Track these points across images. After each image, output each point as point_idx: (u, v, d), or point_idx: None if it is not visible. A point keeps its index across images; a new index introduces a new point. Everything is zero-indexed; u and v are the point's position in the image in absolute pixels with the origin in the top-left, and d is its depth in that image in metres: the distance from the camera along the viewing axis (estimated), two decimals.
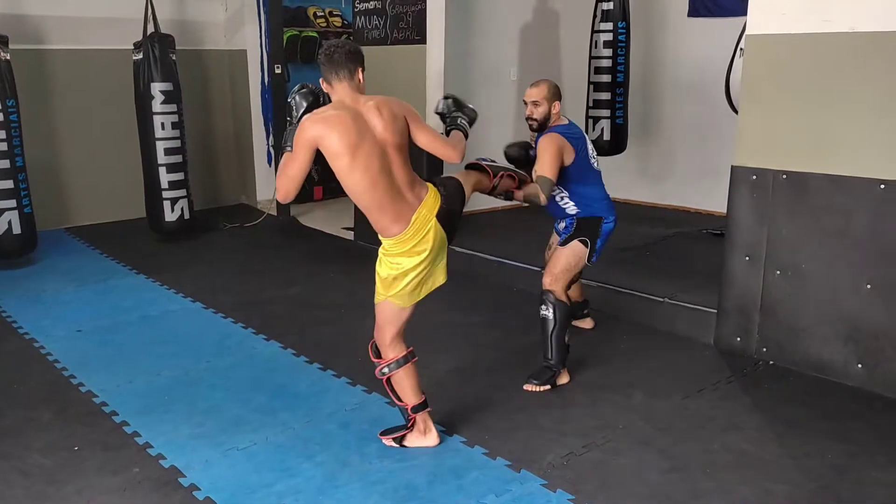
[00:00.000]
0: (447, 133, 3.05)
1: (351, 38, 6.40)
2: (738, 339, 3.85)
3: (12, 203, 5.24)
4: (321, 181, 7.81)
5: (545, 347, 3.47)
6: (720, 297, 3.93)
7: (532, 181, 3.35)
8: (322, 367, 3.72)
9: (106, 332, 4.21)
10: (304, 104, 2.75)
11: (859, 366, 3.46)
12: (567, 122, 3.57)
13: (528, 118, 3.53)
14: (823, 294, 3.54)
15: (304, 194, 7.64)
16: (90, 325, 4.32)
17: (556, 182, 3.41)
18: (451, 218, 2.84)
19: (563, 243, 3.56)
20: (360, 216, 6.13)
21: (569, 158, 3.45)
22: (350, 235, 6.33)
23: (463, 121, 3.05)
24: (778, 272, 3.67)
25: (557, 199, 3.57)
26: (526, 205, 3.47)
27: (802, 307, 3.62)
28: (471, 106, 3.13)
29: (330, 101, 2.75)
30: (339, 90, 2.72)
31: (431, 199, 2.77)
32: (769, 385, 3.54)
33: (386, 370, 2.90)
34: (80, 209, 6.63)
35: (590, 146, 3.64)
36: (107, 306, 4.64)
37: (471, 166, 3.13)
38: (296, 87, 2.84)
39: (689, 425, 3.14)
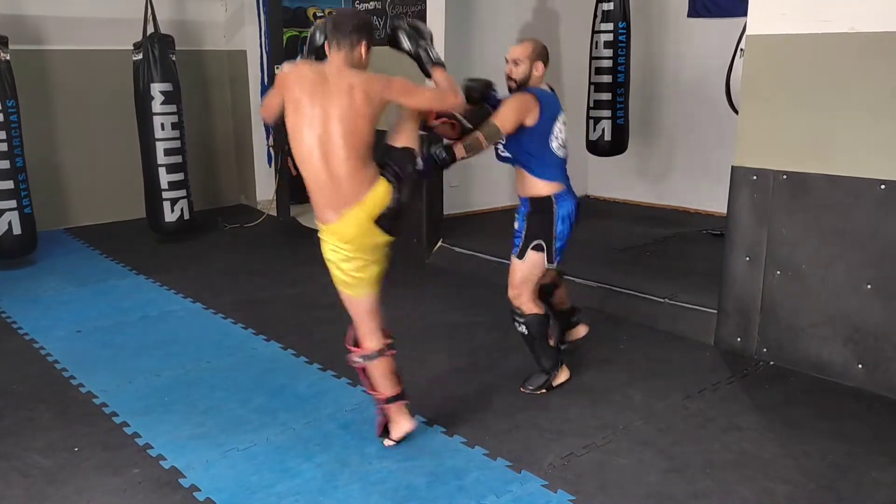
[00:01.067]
0: (425, 73, 2.91)
1: None
2: (739, 339, 3.85)
3: (12, 203, 5.24)
4: None
5: (535, 357, 3.42)
6: (720, 298, 3.93)
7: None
8: (322, 368, 3.72)
9: (106, 333, 4.20)
10: (316, 44, 2.80)
11: (859, 366, 3.46)
12: (549, 89, 3.32)
13: (507, 77, 3.27)
14: (823, 294, 3.54)
15: (305, 195, 7.63)
16: (90, 325, 4.32)
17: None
18: (395, 221, 2.70)
19: (519, 255, 3.31)
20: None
21: (531, 120, 3.16)
22: None
23: (433, 52, 2.91)
24: (778, 272, 3.67)
25: (500, 150, 3.31)
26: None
27: (802, 307, 3.62)
28: (425, 29, 2.98)
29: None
30: (333, 58, 2.65)
31: (372, 202, 2.64)
32: (769, 385, 3.54)
33: (357, 360, 2.87)
34: (79, 209, 6.63)
35: (559, 127, 3.25)
36: (107, 307, 4.64)
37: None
38: (322, 23, 2.81)
39: (689, 425, 3.14)
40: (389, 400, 2.89)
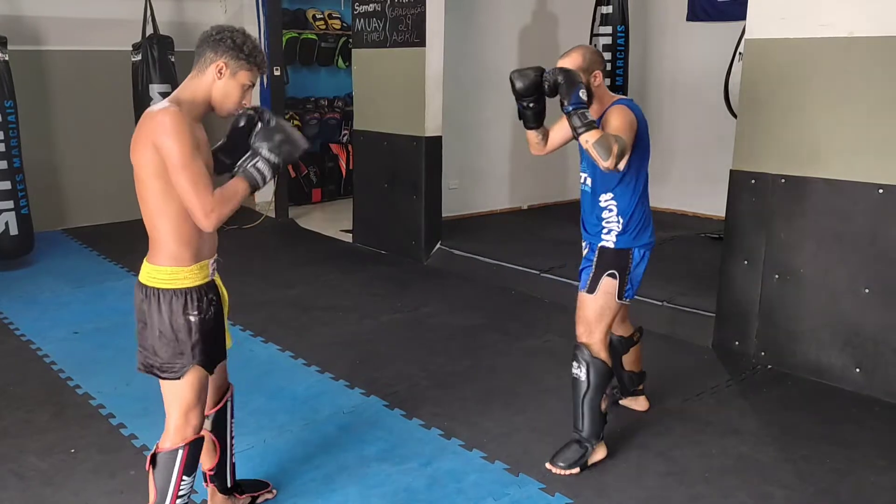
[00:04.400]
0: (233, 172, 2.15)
1: (350, 40, 6.40)
2: (737, 342, 3.85)
3: (10, 204, 5.23)
4: (319, 184, 7.81)
5: (575, 414, 2.83)
6: (718, 301, 3.93)
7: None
8: (320, 370, 3.72)
9: (104, 334, 4.19)
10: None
11: (857, 370, 3.46)
12: (628, 98, 2.88)
13: None
14: (822, 298, 3.55)
15: (303, 196, 7.65)
16: (88, 326, 4.31)
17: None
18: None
19: (589, 289, 2.82)
20: (359, 219, 6.14)
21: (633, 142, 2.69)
22: (349, 238, 6.32)
23: (260, 164, 2.10)
24: (776, 276, 3.67)
25: (602, 202, 2.82)
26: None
27: (801, 311, 3.62)
28: (289, 135, 2.15)
29: None
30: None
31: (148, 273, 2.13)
32: (767, 389, 3.54)
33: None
34: (77, 210, 6.62)
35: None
36: (104, 308, 4.63)
37: None
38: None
39: (687, 429, 3.14)
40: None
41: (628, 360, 3.18)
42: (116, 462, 2.88)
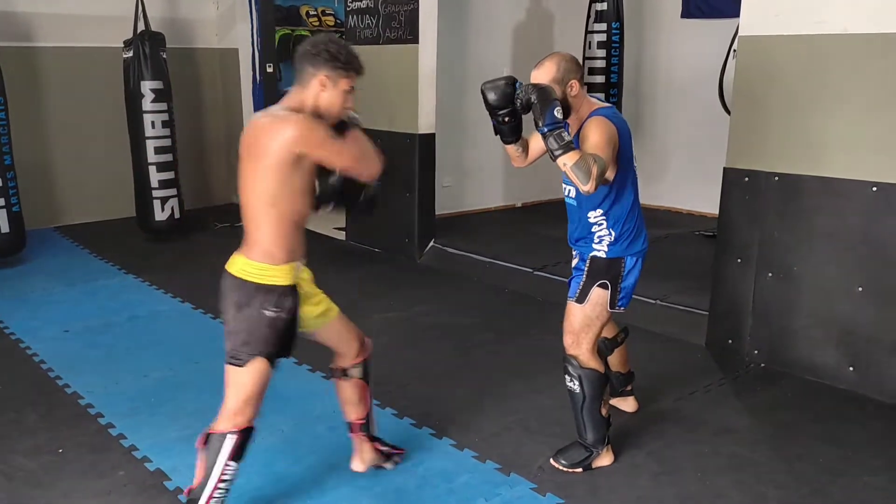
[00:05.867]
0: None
1: (343, 37, 6.38)
2: (730, 341, 3.84)
3: (1, 202, 5.19)
4: None
5: (577, 424, 2.80)
6: (712, 299, 3.91)
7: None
8: (311, 369, 3.69)
9: (94, 333, 4.17)
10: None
11: (851, 368, 3.45)
12: (608, 105, 2.73)
13: None
14: (815, 296, 3.53)
15: None
16: (78, 325, 4.28)
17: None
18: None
19: (578, 298, 2.76)
20: (351, 216, 6.11)
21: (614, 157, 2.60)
22: (342, 236, 6.29)
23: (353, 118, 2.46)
24: (770, 274, 3.66)
25: (590, 218, 2.75)
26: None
27: (794, 309, 3.61)
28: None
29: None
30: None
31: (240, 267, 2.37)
32: (761, 388, 3.53)
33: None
34: (69, 208, 6.59)
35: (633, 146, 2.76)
36: (95, 307, 4.60)
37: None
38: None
39: (680, 428, 3.12)
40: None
41: (614, 361, 3.12)
42: (105, 462, 2.85)
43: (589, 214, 2.74)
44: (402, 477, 2.75)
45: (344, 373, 2.67)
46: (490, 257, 5.28)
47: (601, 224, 2.74)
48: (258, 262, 2.33)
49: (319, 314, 2.57)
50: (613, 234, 2.73)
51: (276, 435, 3.05)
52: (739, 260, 3.75)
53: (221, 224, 6.70)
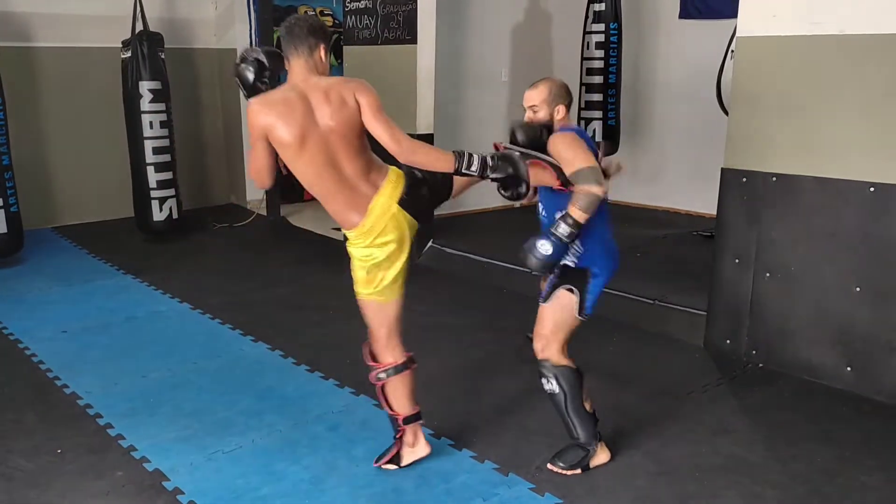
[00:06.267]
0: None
1: (341, 37, 6.38)
2: (728, 341, 3.84)
3: None
4: None
5: (566, 425, 2.85)
6: (710, 300, 3.92)
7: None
8: (310, 369, 3.70)
9: (92, 334, 4.17)
10: (250, 76, 2.54)
11: (848, 369, 3.46)
12: (576, 126, 2.94)
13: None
14: (813, 297, 3.54)
15: (294, 194, 7.61)
16: (76, 325, 4.28)
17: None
18: (419, 199, 2.60)
19: (546, 297, 2.87)
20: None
21: None
22: (340, 236, 6.28)
23: (475, 158, 2.64)
24: (767, 275, 3.66)
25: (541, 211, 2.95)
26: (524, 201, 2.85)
27: (792, 310, 3.62)
28: (517, 161, 2.61)
29: (272, 66, 2.56)
30: (294, 66, 2.49)
31: (390, 187, 2.55)
32: (758, 388, 3.53)
33: (382, 375, 2.71)
34: (67, 208, 6.58)
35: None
36: (93, 307, 4.60)
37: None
38: (240, 56, 2.60)
39: (677, 428, 3.13)
40: (407, 420, 2.75)
41: None
42: (103, 462, 2.85)
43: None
44: (399, 477, 2.76)
45: (413, 361, 2.77)
46: (488, 258, 5.29)
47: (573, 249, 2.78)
48: (385, 181, 2.57)
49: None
50: (583, 247, 2.77)
51: (274, 435, 3.05)
52: (737, 260, 3.76)
53: (220, 224, 6.70)
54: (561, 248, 2.58)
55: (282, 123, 2.41)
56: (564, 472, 2.79)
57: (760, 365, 3.73)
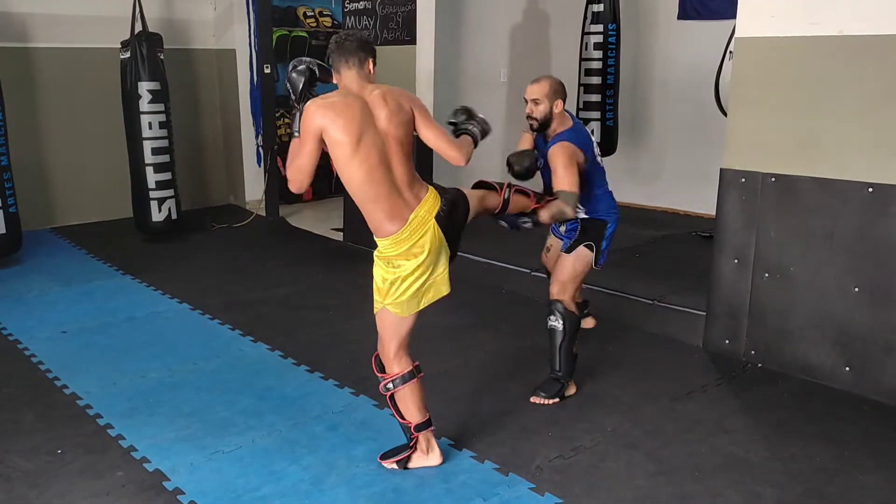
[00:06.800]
0: (456, 136, 2.89)
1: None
2: (727, 341, 3.85)
3: None
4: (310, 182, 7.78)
5: (553, 359, 3.34)
6: (709, 300, 3.92)
7: (549, 198, 3.15)
8: (309, 369, 3.70)
9: (91, 334, 4.17)
10: (301, 83, 2.67)
11: (847, 369, 3.47)
12: (572, 123, 3.37)
13: (528, 116, 3.34)
14: (811, 297, 3.55)
15: (293, 195, 7.61)
16: (75, 326, 4.28)
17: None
18: (453, 221, 2.68)
19: (568, 250, 3.38)
20: (350, 217, 6.12)
21: (581, 165, 3.27)
22: (339, 236, 6.30)
23: (474, 129, 2.90)
24: (766, 275, 3.67)
25: (579, 212, 3.39)
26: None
27: (790, 310, 3.62)
28: (482, 116, 2.95)
29: (322, 77, 2.70)
30: (346, 77, 2.61)
31: (431, 200, 2.63)
32: (757, 388, 3.54)
33: (390, 386, 2.74)
34: (66, 209, 6.58)
35: (594, 144, 3.45)
36: (92, 307, 4.60)
37: (476, 185, 2.96)
38: (291, 64, 2.72)
39: (677, 428, 3.14)
40: (418, 427, 2.78)
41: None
42: (103, 462, 2.85)
43: None
44: (399, 477, 2.76)
45: (419, 370, 2.81)
46: (487, 258, 5.29)
47: (579, 209, 3.34)
48: (427, 194, 2.65)
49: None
50: (588, 200, 3.37)
51: (274, 435, 3.05)
52: (736, 260, 3.77)
53: (219, 225, 6.70)
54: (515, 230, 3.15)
55: (341, 122, 2.49)
56: (546, 401, 3.29)
57: (759, 365, 3.73)
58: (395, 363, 2.74)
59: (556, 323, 3.30)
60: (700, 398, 3.42)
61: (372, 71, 2.65)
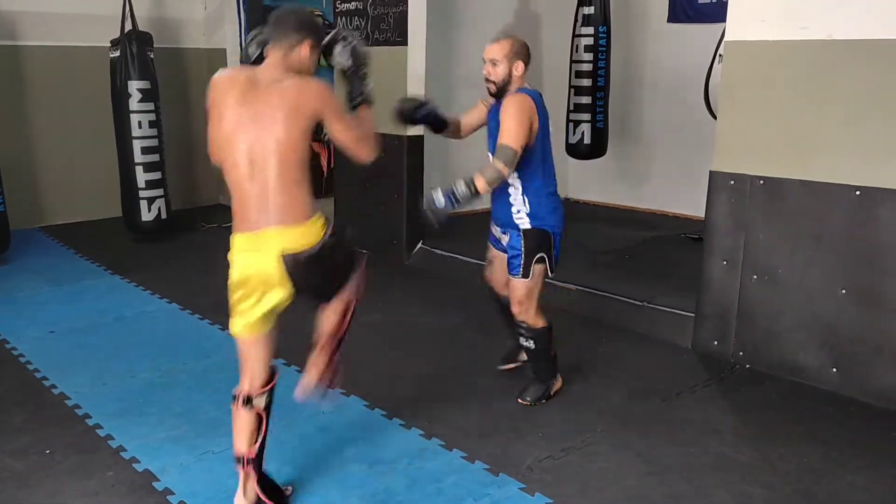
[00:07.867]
0: (352, 105, 2.49)
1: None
2: (716, 342, 3.87)
3: None
4: None
5: (534, 369, 3.36)
6: (698, 302, 3.95)
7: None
8: (300, 370, 3.67)
9: (80, 334, 4.15)
10: (254, 51, 2.50)
11: (834, 370, 3.50)
12: (533, 90, 3.08)
13: (486, 79, 3.04)
14: (799, 299, 3.57)
15: None
16: (64, 326, 4.26)
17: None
18: (310, 268, 2.41)
19: (523, 274, 3.11)
20: (339, 218, 6.11)
21: (533, 132, 2.95)
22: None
23: (365, 88, 2.49)
24: (755, 277, 3.70)
25: (509, 189, 3.09)
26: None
27: (779, 312, 3.65)
28: (354, 43, 2.51)
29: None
30: (268, 59, 2.36)
31: (297, 234, 2.32)
32: (746, 389, 3.56)
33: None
34: (55, 208, 6.55)
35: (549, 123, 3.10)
36: (81, 307, 4.58)
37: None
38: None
39: (667, 429, 3.15)
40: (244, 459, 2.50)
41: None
42: (92, 463, 2.84)
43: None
44: (390, 478, 2.76)
45: (248, 401, 2.48)
46: (478, 259, 5.29)
47: (517, 188, 3.07)
48: (312, 219, 2.35)
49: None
50: (527, 202, 3.06)
51: None
52: (725, 262, 3.79)
53: (209, 224, 6.68)
54: (451, 204, 2.87)
55: (227, 93, 2.32)
56: (533, 404, 3.28)
57: (748, 366, 3.76)
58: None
59: (528, 343, 3.26)
60: (689, 399, 3.44)
61: (307, 58, 2.36)
